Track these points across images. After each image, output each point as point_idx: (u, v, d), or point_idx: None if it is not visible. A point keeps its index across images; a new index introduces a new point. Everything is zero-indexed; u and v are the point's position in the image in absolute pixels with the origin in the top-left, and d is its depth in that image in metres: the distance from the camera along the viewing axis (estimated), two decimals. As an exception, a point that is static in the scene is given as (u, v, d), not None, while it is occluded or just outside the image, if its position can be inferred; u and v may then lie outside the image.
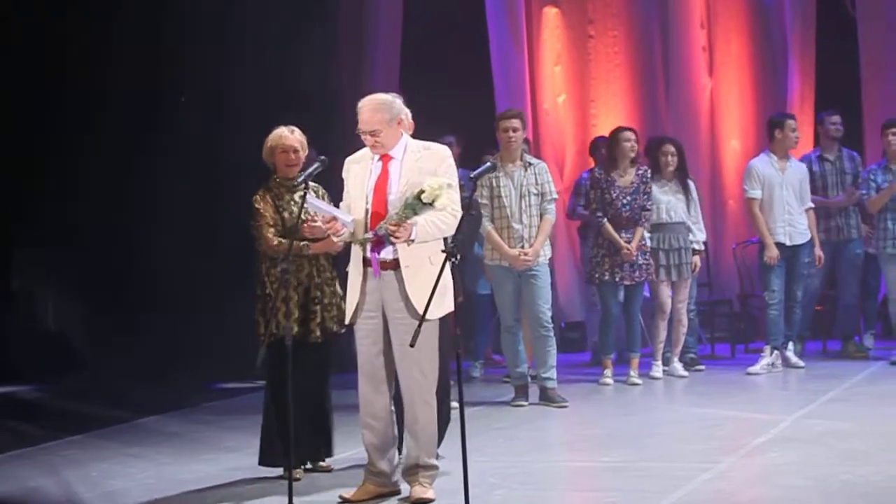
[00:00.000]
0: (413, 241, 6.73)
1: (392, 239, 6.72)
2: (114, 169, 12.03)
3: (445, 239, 6.77)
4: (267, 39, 12.46)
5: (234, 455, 8.42)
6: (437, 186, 6.67)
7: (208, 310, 11.78)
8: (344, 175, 7.06)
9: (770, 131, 11.43)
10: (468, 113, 12.38)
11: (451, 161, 7.00)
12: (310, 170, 6.97)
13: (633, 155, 10.83)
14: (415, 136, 7.10)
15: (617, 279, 10.79)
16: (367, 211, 6.87)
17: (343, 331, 7.64)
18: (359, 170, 6.98)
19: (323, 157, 7.06)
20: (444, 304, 6.83)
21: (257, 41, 12.46)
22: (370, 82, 13.03)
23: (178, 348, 11.77)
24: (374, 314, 6.91)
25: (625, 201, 10.72)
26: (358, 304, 6.91)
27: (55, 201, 12.13)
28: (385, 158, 6.93)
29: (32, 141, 12.17)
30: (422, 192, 6.66)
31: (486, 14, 13.45)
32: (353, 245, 6.98)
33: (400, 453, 7.27)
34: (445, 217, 6.80)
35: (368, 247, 6.84)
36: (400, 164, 6.91)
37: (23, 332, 12.53)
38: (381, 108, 6.91)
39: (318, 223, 7.24)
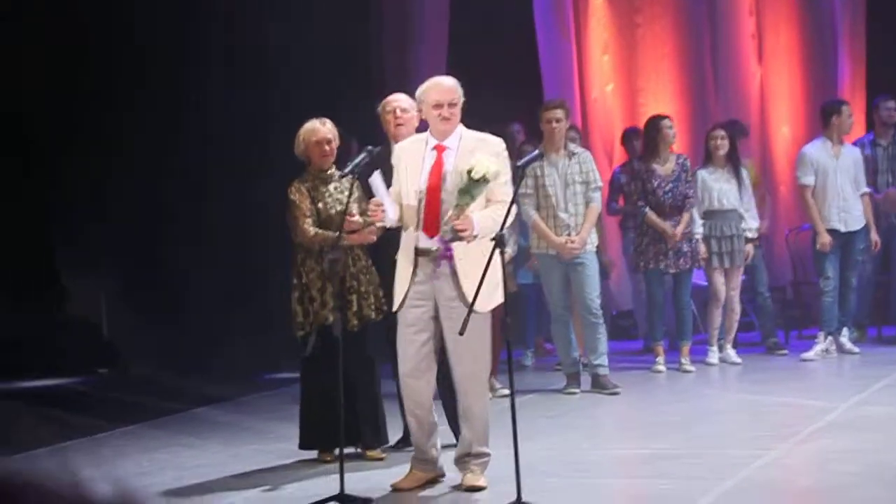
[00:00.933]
0: (476, 236, 6.66)
1: (462, 235, 6.65)
2: (157, 162, 12.11)
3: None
4: (312, 35, 12.46)
5: (286, 444, 8.41)
6: (484, 161, 6.64)
7: (255, 300, 11.79)
8: (394, 162, 7.01)
9: (825, 117, 11.32)
10: (516, 103, 12.32)
11: (506, 154, 6.96)
12: (358, 159, 6.97)
13: (669, 142, 10.79)
14: (467, 126, 7.06)
15: (662, 267, 10.75)
16: (419, 200, 6.82)
17: (380, 318, 7.66)
18: (411, 158, 6.91)
19: (370, 147, 7.04)
20: (496, 295, 6.82)
21: (302, 39, 12.46)
22: (416, 76, 13.02)
23: (227, 339, 11.79)
24: (423, 303, 6.86)
25: (666, 189, 10.67)
26: (406, 293, 6.88)
27: (98, 195, 12.21)
28: (439, 149, 6.88)
29: (78, 130, 12.26)
30: (470, 169, 6.60)
31: (532, 4, 13.41)
32: (402, 232, 6.94)
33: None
34: (499, 210, 6.74)
35: (440, 254, 6.79)
36: (455, 154, 6.84)
37: (71, 324, 12.62)
38: (456, 85, 6.95)
39: (357, 217, 7.25)
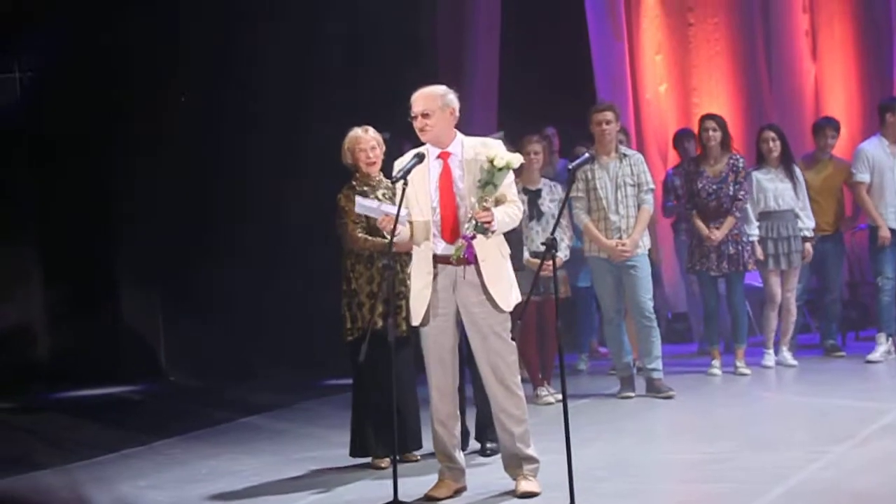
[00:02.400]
0: (494, 231, 6.73)
1: (486, 227, 6.69)
2: (208, 169, 12.22)
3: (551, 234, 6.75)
4: (369, 25, 12.50)
5: (341, 450, 8.39)
6: (503, 150, 6.72)
7: (310, 307, 11.83)
8: (395, 176, 6.94)
9: (881, 115, 11.25)
10: (569, 105, 12.28)
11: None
12: (408, 166, 6.94)
13: (712, 144, 10.68)
14: (515, 127, 7.07)
15: (705, 269, 10.70)
16: (434, 209, 6.86)
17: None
18: (416, 171, 6.87)
19: (420, 152, 7.03)
20: (515, 294, 6.92)
21: (361, 31, 12.50)
22: (471, 78, 13.05)
23: (283, 346, 11.85)
24: (447, 310, 6.88)
25: (710, 190, 10.60)
26: (430, 303, 6.88)
27: (152, 204, 12.32)
28: (444, 156, 6.90)
29: (132, 138, 12.42)
30: (493, 158, 6.68)
31: (584, 4, 13.37)
32: (415, 247, 6.96)
33: (464, 449, 7.40)
34: (514, 209, 6.90)
35: (464, 250, 6.80)
36: (460, 160, 6.88)
37: (127, 333, 12.72)
38: (433, 94, 6.93)
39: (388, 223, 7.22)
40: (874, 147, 11.18)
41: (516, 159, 6.81)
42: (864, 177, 11.13)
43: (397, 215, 6.77)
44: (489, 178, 6.72)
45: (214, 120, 12.33)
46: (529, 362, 9.94)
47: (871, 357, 11.00)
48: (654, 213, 10.52)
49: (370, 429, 7.88)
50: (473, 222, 6.69)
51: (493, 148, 6.79)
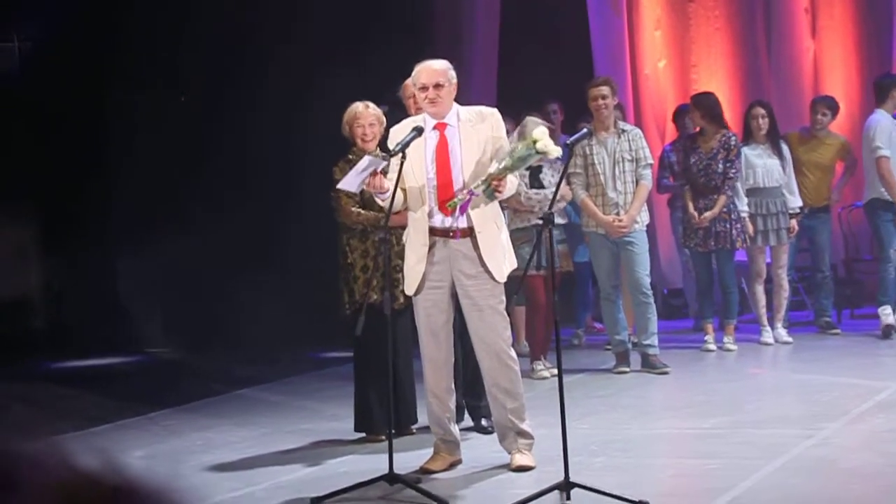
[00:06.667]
0: (500, 196, 6.77)
1: (496, 193, 6.70)
2: (203, 142, 12.23)
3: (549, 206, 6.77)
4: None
5: (336, 423, 8.45)
6: (548, 137, 6.71)
7: (305, 280, 11.82)
8: (391, 146, 6.91)
9: (886, 91, 11.21)
10: (567, 80, 12.27)
11: (502, 122, 7.00)
12: (407, 139, 6.92)
13: (702, 121, 10.72)
14: (515, 103, 7.06)
15: (692, 245, 10.74)
16: (429, 181, 6.83)
17: None
18: (414, 142, 6.80)
19: (418, 125, 7.02)
20: (508, 264, 6.93)
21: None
22: (470, 52, 13.02)
23: (277, 319, 11.85)
24: (441, 283, 6.87)
25: (701, 167, 10.61)
26: (424, 274, 6.87)
27: (154, 173, 12.31)
28: (440, 127, 6.88)
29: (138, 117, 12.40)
30: (536, 141, 6.66)
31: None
32: (410, 215, 6.92)
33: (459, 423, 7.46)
34: (514, 178, 6.92)
35: (458, 210, 6.79)
36: (457, 131, 6.86)
37: (123, 304, 12.72)
38: (443, 66, 6.92)
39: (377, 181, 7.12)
40: (889, 121, 11.15)
41: (554, 151, 6.79)
42: (886, 152, 11.09)
43: (395, 186, 6.73)
44: (524, 157, 6.71)
45: (217, 89, 12.30)
46: (534, 336, 10.00)
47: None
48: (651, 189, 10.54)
49: (373, 403, 7.87)
50: (486, 184, 6.69)
51: (539, 132, 6.74)
